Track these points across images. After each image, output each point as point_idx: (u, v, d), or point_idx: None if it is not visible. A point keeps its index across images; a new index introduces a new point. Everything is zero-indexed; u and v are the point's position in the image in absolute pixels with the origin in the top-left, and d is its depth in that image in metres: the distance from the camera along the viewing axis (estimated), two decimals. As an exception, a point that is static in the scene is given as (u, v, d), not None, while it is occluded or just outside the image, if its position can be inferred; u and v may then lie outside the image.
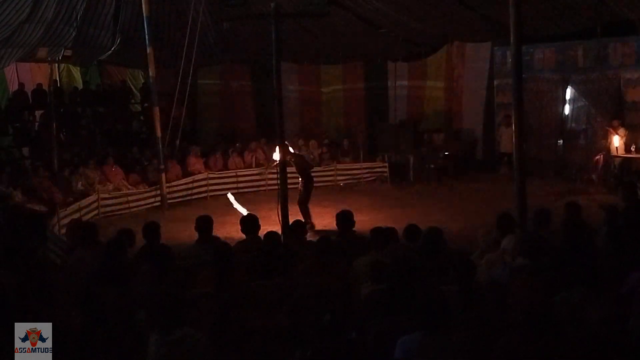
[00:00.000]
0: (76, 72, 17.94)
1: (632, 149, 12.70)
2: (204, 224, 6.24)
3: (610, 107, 13.37)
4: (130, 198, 12.85)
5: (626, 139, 12.67)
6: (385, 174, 15.36)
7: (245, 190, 14.50)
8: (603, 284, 4.57)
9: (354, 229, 6.69)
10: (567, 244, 5.63)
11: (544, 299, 4.15)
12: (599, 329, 3.98)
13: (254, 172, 14.86)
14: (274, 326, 4.45)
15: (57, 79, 16.66)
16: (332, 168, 15.40)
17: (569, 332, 3.87)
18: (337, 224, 6.72)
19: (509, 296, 4.47)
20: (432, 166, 15.32)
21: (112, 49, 15.30)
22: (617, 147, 12.64)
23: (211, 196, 14.16)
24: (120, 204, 12.64)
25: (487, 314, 4.34)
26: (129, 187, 13.18)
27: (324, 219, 10.88)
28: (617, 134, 12.62)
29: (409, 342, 3.69)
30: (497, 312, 4.34)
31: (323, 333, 4.17)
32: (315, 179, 15.09)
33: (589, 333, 3.87)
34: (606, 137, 12.97)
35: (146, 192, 13.19)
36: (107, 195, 12.53)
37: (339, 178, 15.34)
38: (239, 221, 6.74)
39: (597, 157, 13.24)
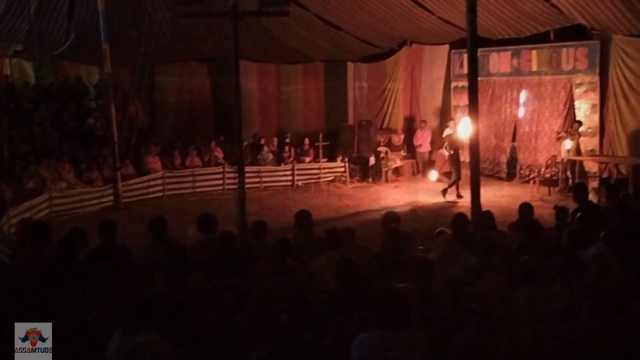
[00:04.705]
0: (29, 67, 17.44)
1: (582, 151, 13.07)
2: (157, 225, 6.16)
3: (562, 111, 13.74)
4: (84, 197, 12.57)
5: (577, 142, 13.02)
6: (345, 174, 15.42)
7: (203, 189, 14.37)
8: (555, 281, 4.69)
9: (312, 229, 6.69)
10: (521, 243, 5.76)
11: (500, 297, 4.22)
12: (551, 324, 4.07)
13: (212, 171, 14.75)
14: (231, 327, 4.41)
15: (9, 74, 16.18)
16: (290, 168, 15.38)
17: (522, 329, 3.95)
18: (295, 224, 6.71)
19: (465, 294, 4.54)
20: (392, 167, 15.48)
21: (67, 44, 14.95)
22: (568, 150, 12.98)
23: (167, 195, 13.98)
24: (74, 202, 12.35)
25: (443, 312, 4.40)
26: (83, 185, 12.88)
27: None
28: (572, 137, 12.93)
29: (366, 340, 3.70)
30: (453, 310, 4.40)
31: (281, 333, 4.16)
32: (273, 179, 15.22)
33: (541, 329, 3.96)
34: (558, 139, 13.31)
35: (101, 190, 12.93)
36: (59, 194, 12.23)
37: (297, 178, 15.34)
38: (196, 220, 6.66)
39: (550, 159, 13.58)
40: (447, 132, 14.43)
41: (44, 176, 12.43)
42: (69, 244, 5.40)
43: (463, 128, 12.36)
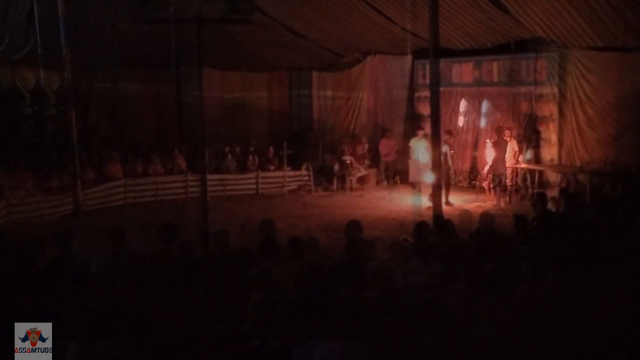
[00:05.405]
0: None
1: (542, 161, 13.35)
2: (118, 234, 6.09)
3: (522, 121, 14.01)
4: (43, 205, 12.29)
5: (536, 152, 13.29)
6: (309, 183, 15.43)
7: (166, 197, 14.20)
8: (516, 289, 4.76)
9: (275, 237, 6.67)
10: (481, 251, 5.84)
11: (464, 304, 4.27)
12: (510, 333, 4.13)
13: (174, 179, 14.60)
14: (191, 336, 4.36)
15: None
16: (254, 176, 15.32)
17: (486, 336, 4.00)
18: (258, 233, 6.69)
19: (429, 301, 4.57)
20: (357, 175, 15.57)
21: (26, 49, 14.63)
22: (528, 160, 13.23)
23: (129, 203, 13.77)
24: (33, 210, 12.06)
25: (406, 320, 4.42)
26: (42, 193, 12.59)
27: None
28: (532, 147, 13.19)
29: (328, 350, 3.69)
30: (416, 317, 4.42)
31: (242, 342, 4.13)
32: (237, 187, 15.15)
33: (499, 337, 4.01)
34: (519, 149, 13.56)
35: (60, 198, 12.66)
36: (17, 202, 11.94)
37: (262, 186, 15.28)
38: (158, 230, 6.59)
39: (510, 168, 13.82)
40: (413, 141, 14.46)
41: (1, 184, 12.13)
42: (25, 253, 5.28)
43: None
